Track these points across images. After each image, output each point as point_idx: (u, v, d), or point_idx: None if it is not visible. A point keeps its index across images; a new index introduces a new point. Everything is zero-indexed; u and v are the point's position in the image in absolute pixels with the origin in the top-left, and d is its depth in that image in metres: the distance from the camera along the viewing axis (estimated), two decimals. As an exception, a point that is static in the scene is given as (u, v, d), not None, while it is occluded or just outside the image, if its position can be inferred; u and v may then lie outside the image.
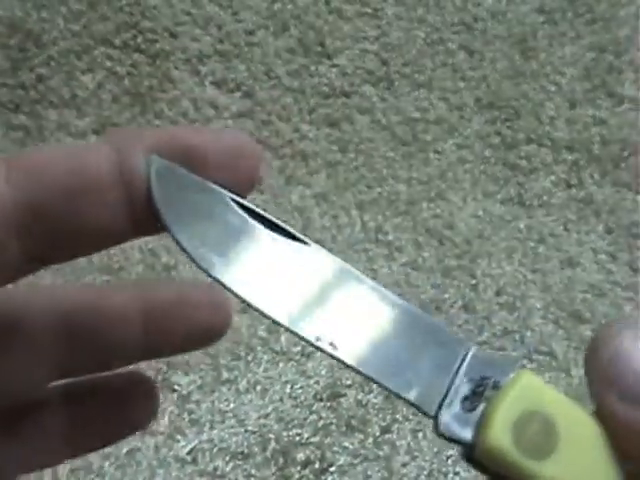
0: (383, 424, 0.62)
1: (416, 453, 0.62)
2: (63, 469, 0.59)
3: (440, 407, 0.24)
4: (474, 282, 0.69)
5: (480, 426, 0.23)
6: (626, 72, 0.79)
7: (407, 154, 0.74)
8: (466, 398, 0.23)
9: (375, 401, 0.63)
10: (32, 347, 0.24)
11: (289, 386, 0.63)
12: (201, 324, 0.27)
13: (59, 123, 0.72)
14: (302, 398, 0.63)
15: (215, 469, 0.60)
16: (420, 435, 0.62)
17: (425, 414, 0.24)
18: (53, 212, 0.21)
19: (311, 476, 0.60)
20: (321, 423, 0.62)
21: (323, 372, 0.64)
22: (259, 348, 0.64)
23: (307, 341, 0.23)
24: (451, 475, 0.61)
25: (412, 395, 0.24)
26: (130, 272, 0.65)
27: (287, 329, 0.24)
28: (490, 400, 0.23)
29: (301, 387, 0.63)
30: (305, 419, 0.62)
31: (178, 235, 0.23)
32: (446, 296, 0.68)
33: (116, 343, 0.25)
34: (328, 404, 0.63)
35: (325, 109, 0.75)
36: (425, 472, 0.61)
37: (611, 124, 0.77)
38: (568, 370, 0.65)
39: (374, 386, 0.64)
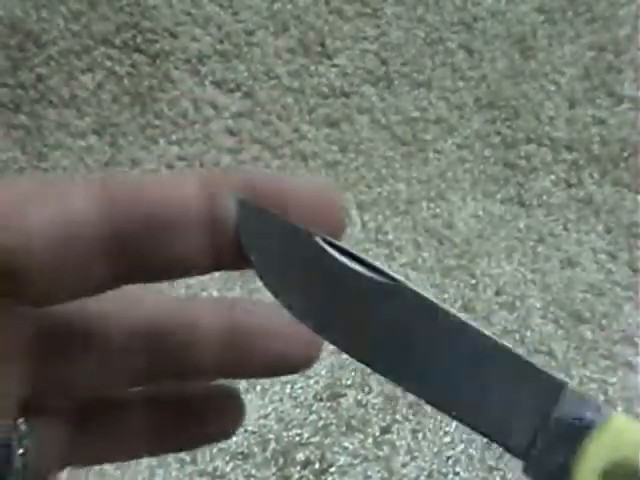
0: (383, 424, 0.62)
1: (416, 453, 0.62)
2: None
3: (530, 449, 0.23)
4: (474, 282, 0.69)
5: (568, 471, 0.22)
6: (626, 72, 0.79)
7: (407, 154, 0.74)
8: (556, 440, 0.23)
9: (375, 401, 0.63)
10: (109, 347, 0.24)
11: (289, 386, 0.63)
12: (284, 356, 0.26)
13: (59, 123, 0.72)
14: (302, 398, 0.63)
15: (215, 469, 0.60)
16: (420, 435, 0.62)
17: (515, 455, 0.24)
18: (138, 242, 0.21)
19: (311, 476, 0.60)
20: (321, 423, 0.62)
21: (323, 372, 0.64)
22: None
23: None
24: (451, 475, 0.61)
25: (502, 435, 0.23)
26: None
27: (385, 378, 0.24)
28: (581, 443, 0.22)
29: (301, 387, 0.63)
30: (305, 419, 0.62)
31: (266, 280, 0.23)
32: (446, 296, 0.68)
33: (191, 358, 0.25)
34: (328, 404, 0.63)
35: (325, 109, 0.75)
36: (425, 472, 0.61)
37: (611, 124, 0.77)
38: (568, 370, 0.65)
39: (374, 386, 0.64)
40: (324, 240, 0.23)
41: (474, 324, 0.23)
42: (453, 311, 0.23)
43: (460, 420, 0.23)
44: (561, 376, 0.23)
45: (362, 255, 0.23)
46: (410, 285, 0.23)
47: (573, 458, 0.22)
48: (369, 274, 0.23)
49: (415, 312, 0.23)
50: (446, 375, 0.23)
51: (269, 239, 0.22)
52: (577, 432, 0.22)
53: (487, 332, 0.23)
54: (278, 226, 0.22)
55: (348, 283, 0.23)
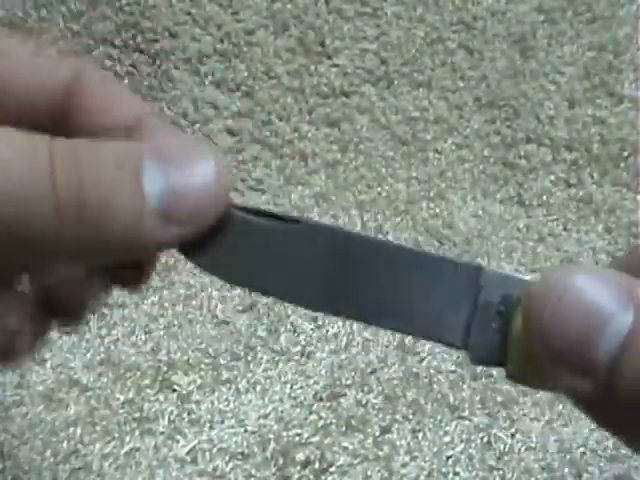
0: (383, 424, 0.62)
1: (416, 453, 0.62)
2: (63, 469, 0.59)
3: (467, 337, 0.24)
4: (474, 282, 0.69)
5: (506, 348, 0.23)
6: (626, 71, 0.79)
7: (407, 153, 0.74)
8: (489, 322, 0.24)
9: (375, 401, 0.63)
10: None
11: (289, 386, 0.63)
12: None
13: (59, 123, 0.72)
14: (302, 398, 0.63)
15: (215, 469, 0.60)
16: (420, 435, 0.62)
17: (455, 347, 0.24)
18: None
19: (311, 476, 0.60)
20: (321, 423, 0.62)
21: (323, 372, 0.64)
22: (259, 348, 0.64)
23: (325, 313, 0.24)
24: (451, 475, 0.61)
25: (437, 333, 0.24)
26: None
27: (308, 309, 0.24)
28: (511, 320, 0.23)
29: (301, 387, 0.63)
30: (305, 419, 0.62)
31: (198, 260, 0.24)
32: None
33: None
34: (328, 404, 0.63)
35: (325, 109, 0.75)
36: (425, 472, 0.61)
37: (610, 123, 0.77)
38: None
39: (374, 386, 0.64)
40: (233, 207, 0.24)
41: (384, 239, 0.24)
42: (363, 233, 0.24)
43: (398, 330, 0.24)
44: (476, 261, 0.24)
45: (265, 208, 0.25)
46: (317, 221, 0.25)
47: (507, 335, 0.23)
48: (273, 223, 0.24)
49: (330, 243, 0.24)
50: (374, 292, 0.24)
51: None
52: (505, 311, 0.23)
53: (399, 243, 0.24)
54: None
55: (260, 236, 0.24)
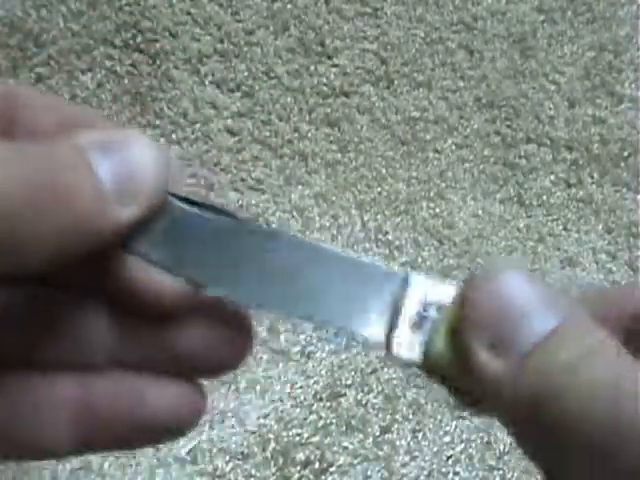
0: (383, 424, 0.62)
1: (416, 453, 0.62)
2: (63, 469, 0.59)
3: (389, 335, 0.24)
4: (474, 282, 0.69)
5: (425, 348, 0.24)
6: (626, 71, 0.79)
7: (407, 153, 0.74)
8: (413, 323, 0.24)
9: (375, 401, 0.63)
10: None
11: (289, 386, 0.63)
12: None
13: (59, 123, 0.72)
14: (302, 398, 0.63)
15: (215, 469, 0.60)
16: (420, 435, 0.62)
17: (377, 346, 0.25)
18: None
19: (311, 476, 0.60)
20: (321, 423, 0.62)
21: (323, 372, 0.64)
22: (259, 348, 0.64)
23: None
24: (451, 475, 0.61)
25: (361, 331, 0.25)
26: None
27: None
28: (434, 322, 0.24)
29: (301, 387, 0.63)
30: (305, 419, 0.62)
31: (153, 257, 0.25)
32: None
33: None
34: (328, 404, 0.63)
35: (325, 109, 0.75)
36: (425, 472, 0.61)
37: (611, 123, 0.77)
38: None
39: (374, 386, 0.64)
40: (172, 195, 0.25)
41: (294, 235, 0.25)
42: (290, 234, 0.25)
43: (325, 327, 0.25)
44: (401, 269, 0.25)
45: (206, 201, 0.25)
46: (246, 220, 0.25)
47: (429, 338, 0.24)
48: (206, 214, 0.25)
49: (253, 242, 0.25)
50: (294, 287, 0.25)
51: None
52: (430, 312, 0.24)
53: (323, 244, 0.25)
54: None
55: (192, 227, 0.25)
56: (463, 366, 0.23)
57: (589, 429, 0.20)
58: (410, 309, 0.24)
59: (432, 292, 0.25)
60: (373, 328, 0.24)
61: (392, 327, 0.24)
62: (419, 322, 0.24)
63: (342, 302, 0.24)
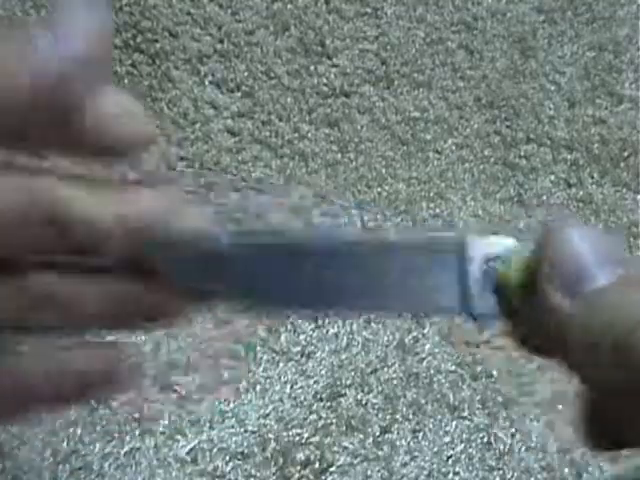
0: (383, 424, 0.62)
1: (416, 453, 0.62)
2: (63, 469, 0.59)
3: (467, 302, 0.26)
4: (474, 282, 0.69)
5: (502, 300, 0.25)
6: (626, 72, 0.79)
7: (407, 154, 0.74)
8: (481, 282, 0.26)
9: (375, 401, 0.63)
10: None
11: (289, 386, 0.63)
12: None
13: (59, 123, 0.72)
14: (302, 398, 0.63)
15: (215, 469, 0.60)
16: (420, 435, 0.62)
17: (458, 313, 0.26)
18: None
19: (311, 476, 0.60)
20: (321, 423, 0.62)
21: (323, 372, 0.64)
22: (259, 348, 0.64)
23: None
24: (451, 475, 0.61)
25: (438, 303, 0.26)
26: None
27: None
28: (502, 272, 0.26)
29: (301, 387, 0.63)
30: (305, 419, 0.62)
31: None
32: (446, 296, 0.68)
33: None
34: (328, 404, 0.63)
35: (325, 109, 0.75)
36: (425, 472, 0.61)
37: (611, 124, 0.77)
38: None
39: (374, 386, 0.64)
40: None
41: (364, 235, 0.26)
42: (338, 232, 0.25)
43: (404, 311, 0.26)
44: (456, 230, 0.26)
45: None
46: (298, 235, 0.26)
47: (502, 286, 0.26)
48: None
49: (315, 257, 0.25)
50: (370, 287, 0.26)
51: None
52: (492, 269, 0.26)
53: (379, 235, 0.25)
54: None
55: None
56: (538, 308, 0.25)
57: None
58: (475, 269, 0.26)
59: (490, 247, 0.26)
60: (450, 300, 0.25)
61: (464, 290, 0.26)
62: (486, 278, 0.26)
63: (414, 287, 0.25)
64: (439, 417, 0.63)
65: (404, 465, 0.61)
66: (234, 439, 0.61)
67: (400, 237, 0.25)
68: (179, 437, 0.61)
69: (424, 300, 0.26)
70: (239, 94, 0.74)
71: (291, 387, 0.63)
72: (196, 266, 0.25)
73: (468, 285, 0.26)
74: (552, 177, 0.75)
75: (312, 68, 0.76)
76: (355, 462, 0.61)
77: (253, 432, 0.61)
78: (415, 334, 0.66)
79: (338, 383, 0.64)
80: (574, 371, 0.25)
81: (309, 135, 0.73)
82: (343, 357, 0.65)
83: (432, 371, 0.65)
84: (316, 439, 0.61)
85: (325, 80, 0.75)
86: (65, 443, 0.59)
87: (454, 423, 0.63)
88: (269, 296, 0.26)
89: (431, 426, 0.63)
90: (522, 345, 0.27)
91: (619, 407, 0.24)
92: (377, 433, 0.62)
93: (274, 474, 0.60)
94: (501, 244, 0.26)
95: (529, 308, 0.25)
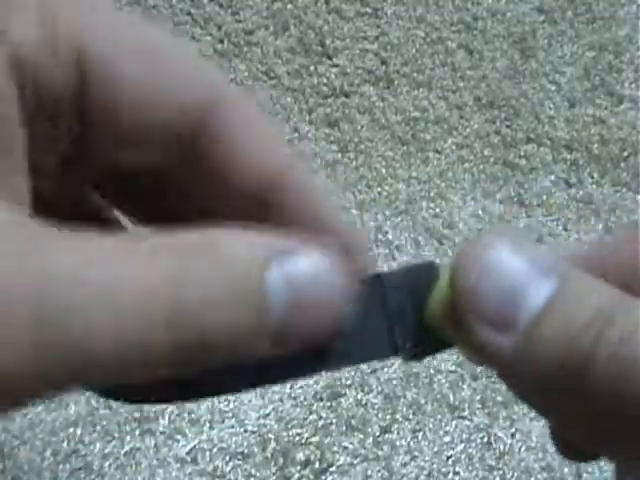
0: (383, 424, 0.62)
1: (416, 453, 0.62)
2: (63, 469, 0.59)
3: (394, 343, 0.24)
4: (474, 282, 0.69)
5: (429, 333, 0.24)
6: (626, 72, 0.79)
7: (407, 153, 0.74)
8: (406, 318, 0.24)
9: (375, 401, 0.63)
10: None
11: (289, 386, 0.63)
12: None
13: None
14: (302, 398, 0.63)
15: (215, 469, 0.60)
16: (420, 435, 0.62)
17: (389, 356, 0.24)
18: None
19: (311, 476, 0.60)
20: (321, 423, 0.62)
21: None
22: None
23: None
24: (451, 475, 0.61)
25: (371, 354, 0.24)
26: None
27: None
28: (426, 301, 0.23)
29: (301, 387, 0.63)
30: (305, 419, 0.62)
31: None
32: (446, 296, 0.68)
33: None
34: (328, 404, 0.63)
35: (325, 109, 0.75)
36: (425, 472, 0.61)
37: (611, 124, 0.77)
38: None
39: (374, 386, 0.64)
40: None
41: None
42: None
43: (337, 370, 0.24)
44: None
45: None
46: None
47: (427, 322, 0.23)
48: None
49: None
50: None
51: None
52: (417, 300, 0.23)
53: None
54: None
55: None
56: (466, 342, 0.22)
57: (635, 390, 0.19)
58: (396, 304, 0.24)
59: (411, 278, 0.24)
60: (379, 346, 0.24)
61: (393, 332, 0.24)
62: (409, 314, 0.24)
63: (347, 341, 0.23)
64: (439, 417, 0.63)
65: (404, 465, 0.61)
66: (234, 439, 0.61)
67: None
68: (179, 437, 0.61)
69: (350, 351, 0.23)
70: (239, 94, 0.74)
71: (291, 387, 0.63)
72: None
73: (392, 324, 0.23)
74: (552, 177, 0.75)
75: (312, 68, 0.76)
76: (355, 462, 0.61)
77: (253, 432, 0.61)
78: (415, 334, 0.66)
79: (338, 383, 0.64)
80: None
81: (309, 135, 0.73)
82: (343, 357, 0.65)
83: (432, 371, 0.65)
84: (316, 439, 0.61)
85: (325, 80, 0.75)
86: (65, 443, 0.59)
87: (454, 423, 0.63)
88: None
89: (431, 426, 0.63)
90: (468, 358, 0.25)
91: (573, 429, 0.21)
92: (377, 433, 0.62)
93: (274, 474, 0.60)
94: (420, 273, 0.24)
95: (461, 341, 0.23)
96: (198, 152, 0.21)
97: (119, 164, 0.22)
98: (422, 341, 0.24)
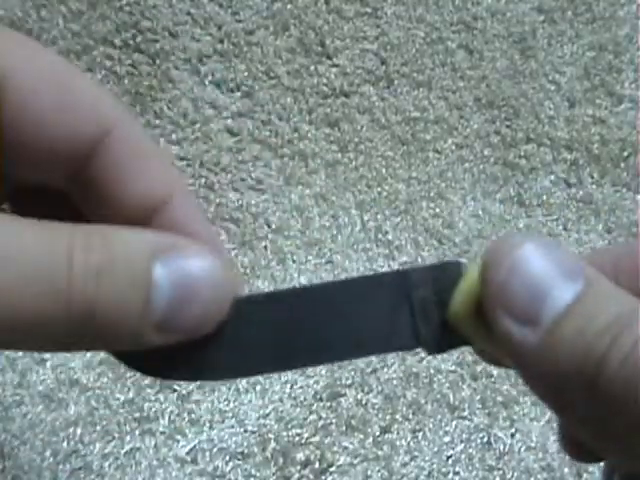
0: (383, 424, 0.62)
1: (416, 453, 0.62)
2: (63, 469, 0.59)
3: (417, 335, 0.25)
4: (474, 282, 0.69)
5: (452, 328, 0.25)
6: (626, 72, 0.79)
7: (406, 153, 0.74)
8: (430, 312, 0.25)
9: (375, 401, 0.63)
10: None
11: (289, 386, 0.63)
12: None
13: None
14: (302, 398, 0.63)
15: (215, 469, 0.60)
16: (420, 435, 0.62)
17: (410, 348, 0.25)
18: None
19: (311, 476, 0.60)
20: (321, 423, 0.62)
21: (323, 372, 0.64)
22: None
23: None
24: (451, 475, 0.61)
25: (390, 344, 0.25)
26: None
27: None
28: (448, 301, 0.25)
29: (301, 387, 0.63)
30: (305, 419, 0.62)
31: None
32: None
33: None
34: (328, 404, 0.63)
35: (325, 109, 0.75)
36: (425, 472, 0.61)
37: (611, 124, 0.77)
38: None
39: (374, 386, 0.64)
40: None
41: (306, 285, 0.25)
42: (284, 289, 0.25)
43: (355, 358, 0.25)
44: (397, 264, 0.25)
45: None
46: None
47: (450, 316, 0.25)
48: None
49: (261, 311, 0.25)
50: (318, 336, 0.25)
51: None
52: (441, 296, 0.25)
53: (321, 282, 0.24)
54: None
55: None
56: (490, 337, 0.23)
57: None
58: (422, 300, 0.25)
59: (435, 275, 0.25)
60: (402, 338, 0.25)
61: (415, 325, 0.25)
62: (436, 309, 0.25)
63: (366, 328, 0.24)
64: (439, 417, 0.63)
65: (404, 465, 0.61)
66: (234, 439, 0.61)
67: (339, 280, 0.25)
68: (179, 437, 0.61)
69: (376, 341, 0.25)
70: (239, 94, 0.74)
71: (291, 387, 0.63)
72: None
73: (416, 318, 0.25)
74: (552, 177, 0.75)
75: (312, 68, 0.76)
76: (355, 462, 0.61)
77: (253, 432, 0.61)
78: (415, 334, 0.66)
79: (338, 383, 0.64)
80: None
81: (309, 135, 0.73)
82: (343, 357, 0.65)
83: (432, 371, 0.65)
84: (316, 439, 0.61)
85: (325, 80, 0.75)
86: (65, 443, 0.59)
87: (454, 423, 0.63)
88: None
89: (431, 426, 0.63)
90: (481, 357, 0.26)
91: (585, 430, 0.22)
92: (377, 433, 0.62)
93: (274, 474, 0.60)
94: (447, 270, 0.25)
95: (481, 337, 0.24)
96: (91, 175, 0.24)
97: (25, 181, 0.25)
98: (444, 336, 0.25)
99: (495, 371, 0.65)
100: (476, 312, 0.24)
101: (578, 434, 0.23)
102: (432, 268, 0.25)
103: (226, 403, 0.62)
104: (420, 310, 0.25)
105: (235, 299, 0.24)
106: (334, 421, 0.62)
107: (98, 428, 0.60)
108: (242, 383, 0.63)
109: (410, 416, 0.63)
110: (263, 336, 0.24)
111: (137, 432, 0.60)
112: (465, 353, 0.65)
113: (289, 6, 0.77)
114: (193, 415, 0.62)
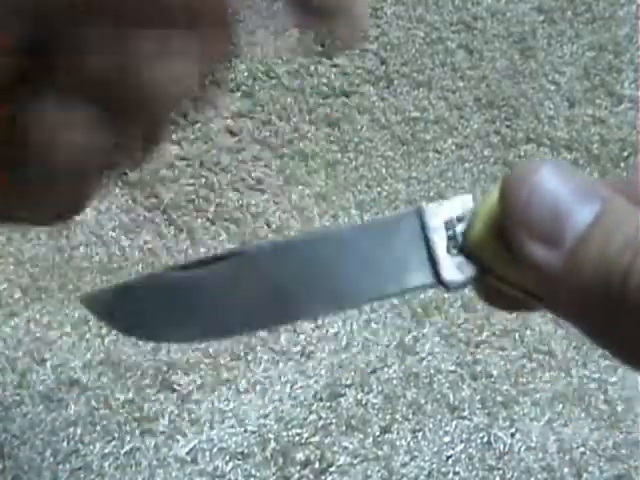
0: (383, 424, 0.62)
1: (416, 453, 0.62)
2: (63, 469, 0.59)
3: (436, 272, 0.25)
4: (474, 282, 0.69)
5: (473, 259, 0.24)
6: (625, 71, 0.79)
7: (406, 153, 0.74)
8: (448, 248, 0.25)
9: (375, 401, 0.63)
10: None
11: (289, 386, 0.63)
12: None
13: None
14: (302, 398, 0.63)
15: (215, 469, 0.60)
16: (420, 435, 0.62)
17: (430, 286, 0.25)
18: None
19: (311, 476, 0.60)
20: (321, 423, 0.62)
21: (323, 372, 0.64)
22: (259, 348, 0.64)
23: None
24: (451, 475, 0.61)
25: (409, 283, 0.25)
26: (130, 272, 0.65)
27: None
28: (469, 227, 0.25)
29: (301, 387, 0.63)
30: (305, 419, 0.62)
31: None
32: (446, 295, 0.68)
33: None
34: (328, 404, 0.63)
35: (325, 109, 0.75)
36: (425, 472, 0.61)
37: (610, 123, 0.77)
38: (568, 370, 0.65)
39: (374, 386, 0.64)
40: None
41: (319, 231, 0.25)
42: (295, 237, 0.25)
43: (376, 300, 0.25)
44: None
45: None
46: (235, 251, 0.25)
47: (469, 247, 0.25)
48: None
49: (270, 261, 0.25)
50: (336, 280, 0.25)
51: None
52: (456, 230, 0.25)
53: (330, 228, 0.25)
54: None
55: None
56: (511, 260, 0.23)
57: None
58: (438, 236, 0.25)
59: (449, 210, 0.25)
60: (420, 275, 0.25)
61: (432, 261, 0.25)
62: (452, 242, 0.25)
63: (379, 272, 0.25)
64: (439, 417, 0.63)
65: (404, 465, 0.61)
66: (234, 439, 0.61)
67: (355, 225, 0.25)
68: (179, 437, 0.61)
69: (395, 280, 0.25)
70: (239, 94, 0.74)
71: (291, 387, 0.63)
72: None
73: (435, 254, 0.25)
74: (552, 177, 0.75)
75: (312, 68, 0.76)
76: (355, 462, 0.61)
77: (253, 432, 0.61)
78: (415, 334, 0.66)
79: (338, 383, 0.64)
80: (552, 312, 0.24)
81: (309, 135, 0.73)
82: (343, 357, 0.65)
83: (432, 371, 0.65)
84: (316, 439, 0.61)
85: (325, 80, 0.75)
86: (65, 443, 0.59)
87: (454, 423, 0.63)
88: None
89: (431, 426, 0.63)
90: (492, 302, 0.26)
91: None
92: (377, 433, 0.62)
93: (274, 474, 0.60)
94: (460, 204, 0.25)
95: (501, 264, 0.24)
96: None
97: None
98: (463, 268, 0.25)
99: (495, 371, 0.65)
100: (496, 237, 0.24)
101: (605, 348, 0.24)
102: (446, 203, 0.25)
103: (226, 403, 0.62)
104: (436, 245, 0.25)
105: (243, 250, 0.24)
106: (334, 421, 0.62)
107: (98, 428, 0.60)
108: (242, 383, 0.63)
109: (410, 416, 0.63)
110: (278, 282, 0.24)
111: (137, 432, 0.60)
112: (465, 353, 0.65)
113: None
114: (193, 415, 0.62)
